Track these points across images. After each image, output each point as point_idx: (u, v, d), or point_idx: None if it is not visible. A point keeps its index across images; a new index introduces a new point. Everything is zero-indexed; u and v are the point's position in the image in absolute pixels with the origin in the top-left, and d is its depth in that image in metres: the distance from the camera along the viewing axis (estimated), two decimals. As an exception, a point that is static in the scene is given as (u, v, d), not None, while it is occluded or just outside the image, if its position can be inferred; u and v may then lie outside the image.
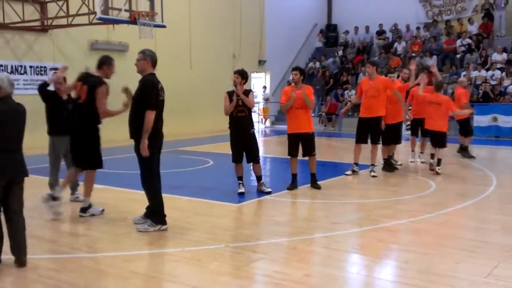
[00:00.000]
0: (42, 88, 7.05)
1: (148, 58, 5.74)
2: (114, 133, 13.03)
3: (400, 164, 10.25)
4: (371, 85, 9.06)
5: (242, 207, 7.17)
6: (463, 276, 4.42)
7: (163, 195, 5.94)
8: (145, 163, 5.73)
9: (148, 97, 5.60)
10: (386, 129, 9.45)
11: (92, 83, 6.35)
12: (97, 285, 4.35)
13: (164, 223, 5.81)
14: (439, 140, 9.42)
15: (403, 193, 7.86)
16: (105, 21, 12.70)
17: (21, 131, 4.68)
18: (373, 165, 9.33)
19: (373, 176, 9.11)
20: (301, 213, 7.18)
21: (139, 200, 6.68)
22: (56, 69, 14.37)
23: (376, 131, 9.19)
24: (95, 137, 6.46)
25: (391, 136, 9.62)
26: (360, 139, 9.31)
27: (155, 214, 5.81)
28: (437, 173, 9.30)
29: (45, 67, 14.18)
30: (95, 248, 5.28)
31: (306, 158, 8.19)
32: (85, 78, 6.47)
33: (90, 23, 12.82)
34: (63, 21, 13.37)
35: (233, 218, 6.70)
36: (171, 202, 6.77)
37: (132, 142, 5.83)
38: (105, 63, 6.53)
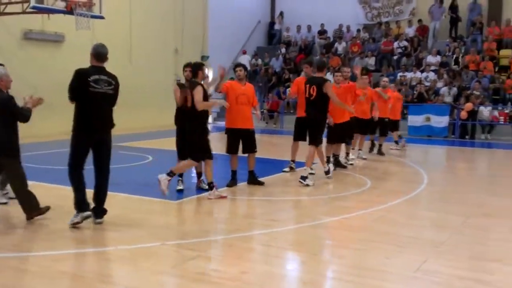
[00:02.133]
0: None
1: (91, 51, 5.79)
2: (39, 128, 12.55)
3: (352, 164, 10.46)
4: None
5: (181, 205, 7.09)
6: (394, 271, 4.56)
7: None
8: (70, 153, 5.78)
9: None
10: (334, 128, 9.63)
11: (318, 82, 8.20)
12: (21, 285, 4.16)
13: (85, 210, 5.70)
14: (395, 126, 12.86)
15: (340, 190, 8.03)
16: (40, 10, 12.19)
17: None
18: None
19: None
20: (240, 210, 7.18)
21: (69, 196, 6.45)
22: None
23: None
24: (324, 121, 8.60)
25: (337, 135, 9.77)
26: (297, 137, 9.40)
27: (76, 203, 5.74)
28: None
29: (-27, 56, 13.42)
30: (23, 247, 5.05)
31: (246, 155, 8.20)
32: (310, 79, 8.44)
33: (24, 12, 12.25)
34: (-6, 9, 12.71)
35: (171, 216, 6.61)
36: (108, 200, 6.57)
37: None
38: (325, 66, 8.69)
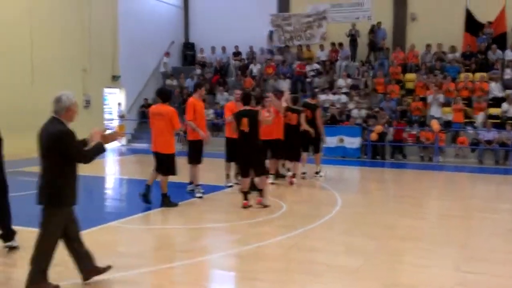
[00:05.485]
0: None
1: None
2: None
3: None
4: (202, 106, 9.83)
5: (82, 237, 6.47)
6: (310, 304, 4.36)
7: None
8: None
9: None
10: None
11: (312, 108, 11.35)
12: None
13: None
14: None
15: (255, 215, 7.78)
16: None
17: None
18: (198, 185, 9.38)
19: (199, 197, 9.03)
20: (147, 241, 6.63)
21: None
22: None
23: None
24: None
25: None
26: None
27: None
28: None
29: None
30: None
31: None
32: (307, 104, 11.52)
33: None
34: None
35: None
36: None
37: None
38: (316, 94, 11.91)
